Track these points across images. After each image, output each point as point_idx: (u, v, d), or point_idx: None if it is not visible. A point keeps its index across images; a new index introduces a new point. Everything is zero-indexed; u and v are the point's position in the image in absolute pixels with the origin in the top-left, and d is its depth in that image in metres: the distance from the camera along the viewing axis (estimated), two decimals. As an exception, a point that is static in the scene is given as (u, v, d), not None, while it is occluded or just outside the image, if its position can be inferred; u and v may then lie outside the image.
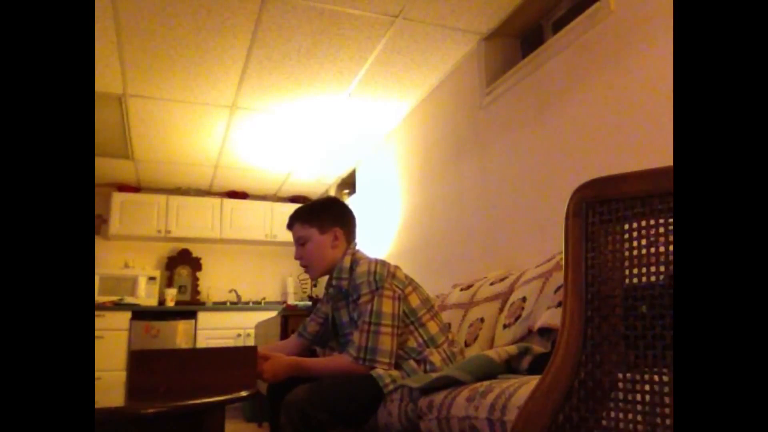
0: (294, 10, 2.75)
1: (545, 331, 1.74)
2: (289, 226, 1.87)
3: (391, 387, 1.56)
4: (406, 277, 1.76)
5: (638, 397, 0.70)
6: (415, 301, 1.71)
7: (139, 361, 1.54)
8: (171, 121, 4.09)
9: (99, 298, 4.98)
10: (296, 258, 1.84)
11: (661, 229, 0.72)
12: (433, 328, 1.70)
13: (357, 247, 1.84)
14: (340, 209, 1.87)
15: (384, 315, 1.61)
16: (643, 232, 0.73)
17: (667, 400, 0.67)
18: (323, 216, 1.81)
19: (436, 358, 1.64)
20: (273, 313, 4.20)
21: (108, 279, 5.15)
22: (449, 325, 2.29)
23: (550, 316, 1.74)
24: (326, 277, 1.83)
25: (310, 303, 3.86)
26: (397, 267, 1.75)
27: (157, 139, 4.43)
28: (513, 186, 2.78)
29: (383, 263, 1.72)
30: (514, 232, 2.75)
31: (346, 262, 1.76)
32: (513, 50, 3.10)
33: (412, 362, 1.62)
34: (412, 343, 1.66)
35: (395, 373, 1.58)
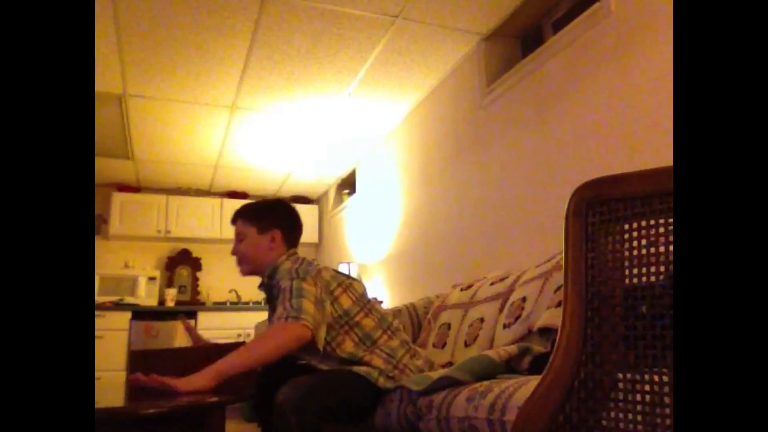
0: (294, 10, 2.75)
1: (545, 331, 1.74)
2: (233, 221, 1.85)
3: (381, 380, 1.54)
4: (335, 277, 1.72)
5: (638, 397, 0.70)
6: (346, 302, 1.68)
7: (139, 361, 1.54)
8: (171, 121, 4.09)
9: (99, 298, 4.98)
10: (232, 253, 1.83)
11: (661, 229, 0.72)
12: (367, 324, 1.67)
13: (299, 254, 1.81)
14: (284, 212, 1.86)
15: (305, 290, 1.56)
16: (643, 232, 0.73)
17: (667, 400, 0.67)
18: (265, 216, 1.81)
19: (377, 362, 1.61)
20: (273, 313, 4.21)
21: (108, 279, 5.15)
22: (447, 328, 2.29)
23: (550, 316, 1.74)
24: None
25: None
26: (325, 268, 1.72)
27: (157, 139, 4.43)
28: (513, 186, 2.78)
29: (309, 263, 1.71)
30: (514, 232, 2.75)
31: (280, 263, 1.74)
32: (513, 50, 3.10)
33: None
34: (349, 346, 1.63)
35: (374, 370, 1.57)
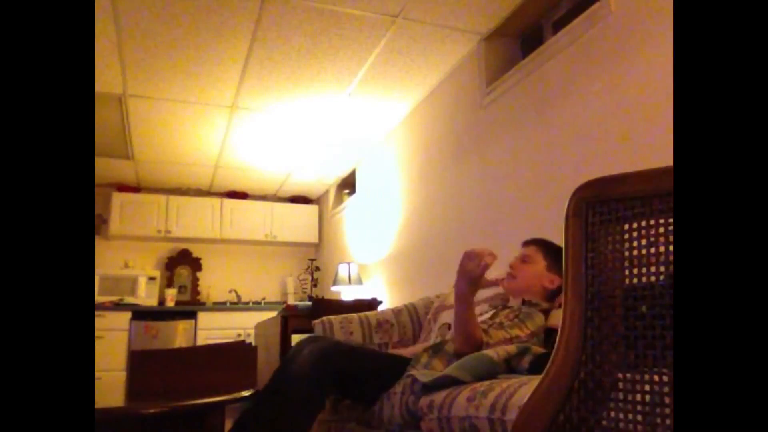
0: (294, 10, 2.75)
1: (547, 331, 1.74)
2: (529, 243, 1.89)
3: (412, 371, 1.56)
4: None
5: (638, 397, 0.70)
6: None
7: (139, 361, 1.54)
8: (171, 121, 4.09)
9: (99, 298, 4.98)
10: (511, 267, 1.86)
11: (661, 229, 0.72)
12: None
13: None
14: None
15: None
16: (643, 232, 0.73)
17: (667, 400, 0.67)
18: (560, 262, 1.88)
19: None
20: (273, 313, 4.20)
21: (108, 279, 5.15)
22: (447, 328, 2.29)
23: (552, 316, 1.74)
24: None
25: (310, 303, 3.86)
26: None
27: (157, 139, 4.43)
28: (513, 186, 2.78)
29: None
30: (514, 232, 2.75)
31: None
32: (513, 50, 3.10)
33: None
34: None
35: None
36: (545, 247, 1.84)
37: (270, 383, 1.42)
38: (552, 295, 1.80)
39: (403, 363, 1.62)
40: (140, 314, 5.02)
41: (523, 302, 1.83)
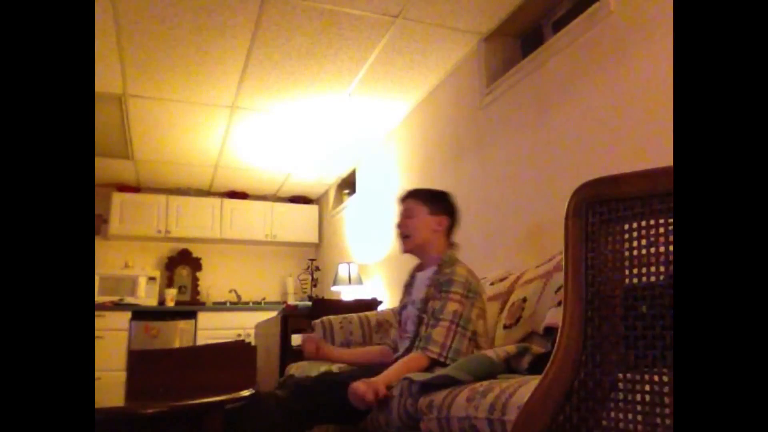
0: (294, 10, 2.75)
1: (548, 331, 1.74)
2: (402, 198, 1.93)
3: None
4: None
5: (638, 397, 0.70)
6: (480, 327, 1.77)
7: (139, 361, 1.54)
8: (171, 121, 4.09)
9: (99, 298, 4.98)
10: (397, 226, 1.90)
11: (661, 229, 0.72)
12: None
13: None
14: (453, 204, 1.94)
15: (471, 321, 1.67)
16: (643, 232, 0.73)
17: (667, 400, 0.67)
18: (438, 201, 1.89)
19: None
20: (273, 313, 4.20)
21: (108, 279, 5.15)
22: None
23: (554, 315, 1.73)
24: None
25: (310, 303, 3.86)
26: (482, 288, 1.82)
27: (157, 139, 4.43)
28: (513, 186, 2.78)
29: (478, 281, 1.80)
30: (513, 232, 2.75)
31: (453, 260, 1.82)
32: (513, 50, 3.10)
33: None
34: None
35: None
36: (420, 195, 1.90)
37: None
38: (447, 233, 1.88)
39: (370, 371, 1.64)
40: (140, 314, 5.02)
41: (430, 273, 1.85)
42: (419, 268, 1.96)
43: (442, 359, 1.59)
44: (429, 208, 1.86)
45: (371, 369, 1.70)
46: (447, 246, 1.88)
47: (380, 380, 1.56)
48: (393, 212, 4.18)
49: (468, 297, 1.69)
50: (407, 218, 1.87)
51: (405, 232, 1.88)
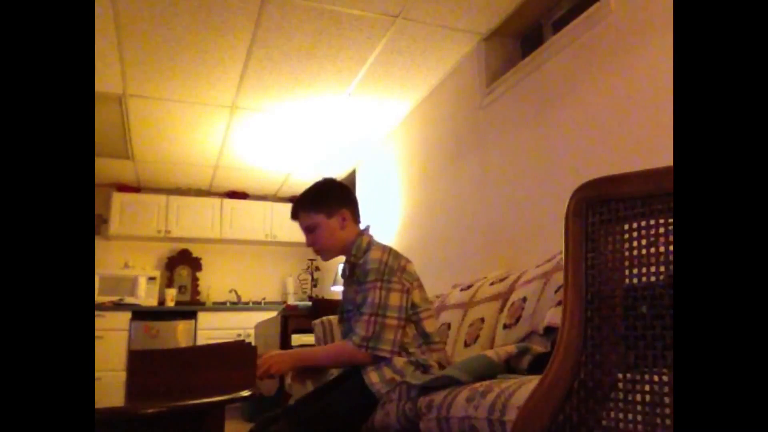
0: (294, 10, 2.75)
1: (548, 331, 1.74)
2: (294, 216, 1.86)
3: (383, 390, 1.55)
4: (414, 273, 1.78)
5: (638, 397, 0.70)
6: (417, 297, 1.72)
7: (139, 361, 1.54)
8: (171, 121, 4.09)
9: (99, 298, 4.98)
10: (308, 245, 1.85)
11: (661, 229, 0.72)
12: (429, 326, 1.71)
13: (369, 232, 1.87)
14: (341, 191, 1.89)
15: (390, 307, 1.62)
16: (643, 232, 0.73)
17: (667, 400, 0.67)
18: (327, 201, 1.82)
19: (432, 357, 1.65)
20: (273, 313, 4.20)
21: (108, 279, 5.15)
22: (447, 328, 2.29)
23: (554, 315, 1.73)
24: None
25: (310, 303, 3.86)
26: (408, 261, 1.76)
27: (157, 139, 4.43)
28: (513, 186, 2.78)
29: (396, 255, 1.73)
30: (514, 232, 2.75)
31: (363, 242, 1.79)
32: (513, 50, 3.10)
33: (400, 359, 1.61)
34: (407, 338, 1.66)
35: (388, 371, 1.58)
36: (308, 204, 1.83)
37: None
38: (353, 221, 1.84)
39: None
40: (140, 314, 5.02)
41: (353, 265, 1.80)
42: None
43: (363, 348, 1.58)
44: (325, 212, 1.79)
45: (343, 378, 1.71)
46: (358, 234, 1.82)
47: (293, 354, 1.68)
48: (393, 212, 4.20)
49: (383, 280, 1.64)
50: (311, 233, 1.81)
51: (317, 247, 1.83)
